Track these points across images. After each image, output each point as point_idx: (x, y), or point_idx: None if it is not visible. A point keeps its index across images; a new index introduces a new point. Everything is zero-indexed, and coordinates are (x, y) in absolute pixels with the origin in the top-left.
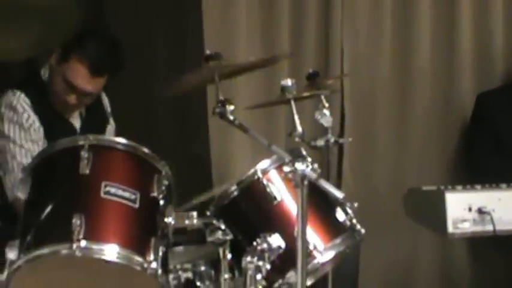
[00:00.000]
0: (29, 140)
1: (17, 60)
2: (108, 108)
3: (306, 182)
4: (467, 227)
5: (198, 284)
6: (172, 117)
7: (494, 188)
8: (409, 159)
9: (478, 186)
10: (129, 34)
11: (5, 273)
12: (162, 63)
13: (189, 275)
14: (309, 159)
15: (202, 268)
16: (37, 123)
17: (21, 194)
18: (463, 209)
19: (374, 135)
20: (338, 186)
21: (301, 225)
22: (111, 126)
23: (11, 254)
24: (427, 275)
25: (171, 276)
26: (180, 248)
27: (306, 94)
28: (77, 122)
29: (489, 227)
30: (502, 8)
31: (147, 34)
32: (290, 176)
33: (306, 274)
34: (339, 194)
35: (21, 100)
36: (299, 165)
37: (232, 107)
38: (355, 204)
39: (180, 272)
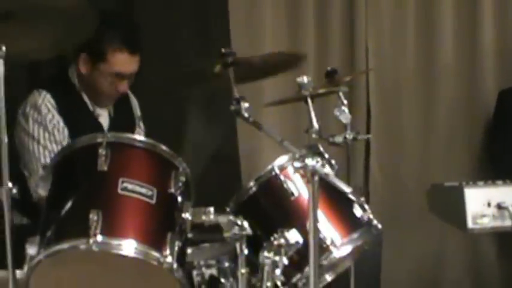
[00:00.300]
0: (53, 141)
1: (41, 60)
2: (138, 111)
3: (316, 178)
4: (486, 222)
5: (222, 280)
6: (201, 117)
7: None
8: (435, 154)
9: (498, 182)
10: (157, 40)
11: (25, 268)
12: (189, 66)
13: (213, 271)
14: (326, 155)
15: (226, 264)
16: (61, 124)
17: (42, 191)
18: (482, 204)
19: (400, 131)
20: (365, 182)
21: (312, 220)
22: (140, 130)
23: (31, 250)
24: (455, 270)
25: (194, 272)
26: (205, 245)
27: (321, 91)
28: (105, 122)
29: (508, 222)
30: None
31: (174, 38)
32: (301, 171)
33: (318, 269)
34: (346, 189)
35: (46, 101)
36: (309, 161)
37: (247, 105)
38: (362, 199)
39: (203, 269)
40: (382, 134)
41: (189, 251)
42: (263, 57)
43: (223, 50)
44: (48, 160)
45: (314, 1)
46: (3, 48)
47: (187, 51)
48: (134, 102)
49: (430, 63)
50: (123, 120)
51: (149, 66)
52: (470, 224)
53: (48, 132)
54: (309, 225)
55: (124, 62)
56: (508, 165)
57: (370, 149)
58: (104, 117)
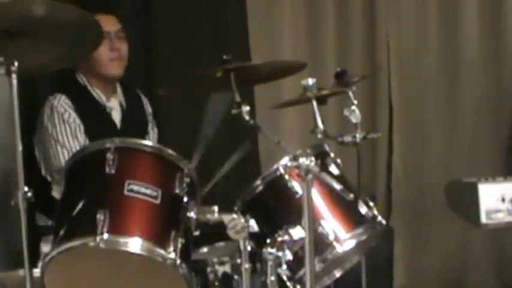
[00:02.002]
0: (70, 137)
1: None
2: (149, 108)
3: (310, 176)
4: (500, 218)
5: (235, 277)
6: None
7: None
8: (458, 151)
9: (511, 177)
10: (176, 49)
11: (39, 264)
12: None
13: (227, 268)
14: (332, 154)
15: (239, 261)
16: (78, 121)
17: (57, 194)
18: (496, 199)
19: (423, 128)
20: (388, 180)
21: (307, 218)
22: (153, 126)
23: (45, 248)
24: (480, 267)
25: (208, 269)
26: (221, 244)
27: (326, 92)
28: (117, 116)
29: None
30: None
31: (192, 47)
32: (296, 170)
33: (322, 264)
34: (337, 186)
35: (61, 101)
36: (303, 160)
37: (247, 108)
38: (351, 195)
39: (216, 266)
40: (405, 132)
41: (204, 249)
42: (264, 64)
43: (224, 57)
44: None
45: (334, 3)
46: (16, 63)
47: (206, 61)
48: (145, 99)
49: (453, 59)
50: (135, 116)
51: (169, 72)
52: (484, 219)
53: (65, 128)
54: (304, 222)
55: (104, 24)
56: None
57: (393, 147)
58: (116, 111)
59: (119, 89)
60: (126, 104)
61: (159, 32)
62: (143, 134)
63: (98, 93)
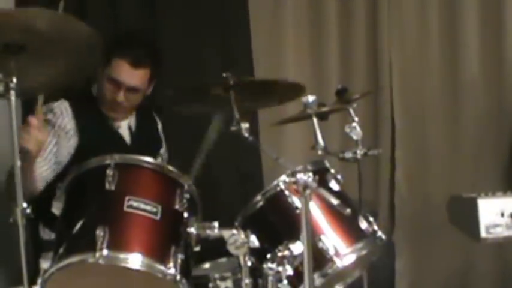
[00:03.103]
0: (54, 140)
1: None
2: (162, 134)
3: (308, 191)
4: (500, 232)
5: None
6: (224, 136)
7: None
8: (461, 168)
9: (510, 192)
10: (179, 65)
11: (39, 281)
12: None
13: (229, 284)
14: (332, 170)
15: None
16: (71, 128)
17: (56, 210)
18: (496, 214)
19: (425, 144)
20: (391, 196)
21: (305, 232)
22: (163, 152)
23: (45, 264)
24: (483, 282)
25: (210, 285)
26: (223, 259)
27: (326, 109)
28: (126, 135)
29: None
30: None
31: (197, 60)
32: (294, 185)
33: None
34: (334, 201)
35: (61, 106)
36: (300, 176)
37: (247, 125)
38: (347, 211)
39: (218, 282)
40: (407, 149)
41: (206, 265)
42: (262, 81)
43: (224, 74)
44: (43, 163)
45: (337, 22)
46: (14, 80)
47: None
48: (159, 123)
49: (454, 78)
50: (147, 137)
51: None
52: (483, 234)
53: (54, 131)
54: (303, 237)
55: (122, 70)
56: None
57: (396, 163)
58: (123, 129)
59: (132, 114)
60: (136, 127)
61: (162, 49)
62: (153, 156)
63: (105, 111)
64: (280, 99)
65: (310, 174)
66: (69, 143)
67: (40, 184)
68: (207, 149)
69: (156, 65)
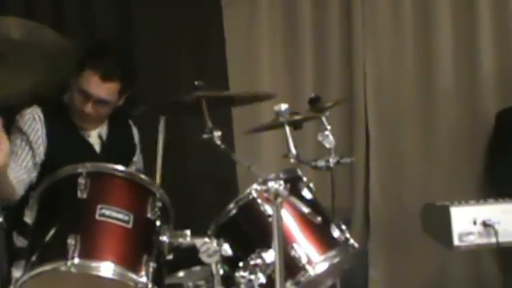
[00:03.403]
0: (26, 146)
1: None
2: (137, 139)
3: (279, 200)
4: (472, 240)
5: None
6: (200, 144)
7: (498, 201)
8: (436, 175)
9: (483, 200)
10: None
11: None
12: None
13: None
14: (304, 178)
15: None
16: (41, 134)
17: (29, 219)
18: (468, 222)
19: (400, 152)
20: (365, 204)
21: (277, 241)
22: (137, 159)
23: (17, 273)
24: None
25: None
26: (197, 268)
27: (298, 117)
28: (96, 144)
29: (494, 240)
30: None
31: (172, 77)
32: (265, 194)
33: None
34: (305, 209)
35: (33, 112)
36: (272, 184)
37: (219, 133)
38: (318, 219)
39: None
40: (382, 157)
41: (180, 273)
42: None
43: (195, 83)
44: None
45: (311, 31)
46: None
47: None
48: (134, 130)
49: (429, 85)
50: (119, 145)
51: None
52: (456, 242)
53: (21, 136)
54: (274, 245)
55: (91, 82)
56: (508, 184)
57: (370, 171)
58: (93, 138)
59: (104, 123)
60: (107, 136)
61: (135, 61)
62: (126, 164)
63: (75, 120)
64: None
65: (282, 182)
66: (40, 149)
67: (19, 189)
68: (161, 153)
69: (127, 78)
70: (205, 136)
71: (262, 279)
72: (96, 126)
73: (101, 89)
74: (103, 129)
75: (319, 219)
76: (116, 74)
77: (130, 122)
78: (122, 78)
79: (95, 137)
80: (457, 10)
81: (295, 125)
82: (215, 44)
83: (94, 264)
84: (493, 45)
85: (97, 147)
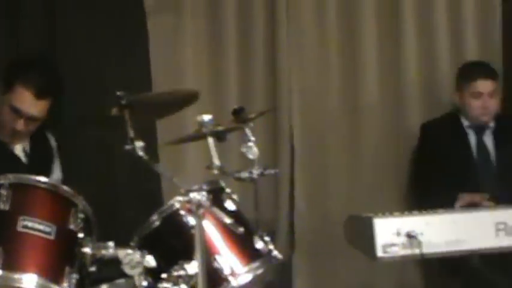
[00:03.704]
0: None
1: None
2: (54, 142)
3: (201, 211)
4: (396, 251)
5: None
6: (125, 155)
7: (422, 213)
8: (361, 188)
9: (407, 212)
10: (80, 80)
11: None
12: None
13: None
14: (228, 190)
15: None
16: None
17: None
18: (392, 233)
19: (325, 165)
20: (290, 215)
21: (199, 252)
22: (56, 167)
23: None
24: None
25: None
26: (121, 280)
27: (221, 128)
28: (22, 156)
29: (417, 251)
30: (447, 40)
31: (96, 76)
32: (188, 205)
33: None
34: (227, 220)
35: None
36: (194, 195)
37: (141, 144)
38: (240, 229)
39: None
40: (307, 167)
41: (104, 286)
42: (157, 95)
43: (117, 93)
44: None
45: (236, 41)
46: None
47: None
48: (51, 138)
49: (354, 98)
50: (40, 157)
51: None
52: (379, 253)
53: None
54: (197, 256)
55: (25, 100)
56: (432, 196)
57: (295, 182)
58: (18, 151)
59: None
60: (30, 148)
61: (63, 67)
62: (48, 174)
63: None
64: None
65: (204, 193)
66: None
67: None
68: None
69: (58, 95)
70: (127, 147)
71: None
72: (22, 141)
73: (35, 106)
74: (26, 143)
75: (241, 230)
76: (49, 91)
77: (48, 133)
78: (54, 94)
79: (20, 150)
80: (382, 22)
81: (219, 136)
82: (140, 53)
83: (16, 276)
84: (418, 57)
85: (23, 160)
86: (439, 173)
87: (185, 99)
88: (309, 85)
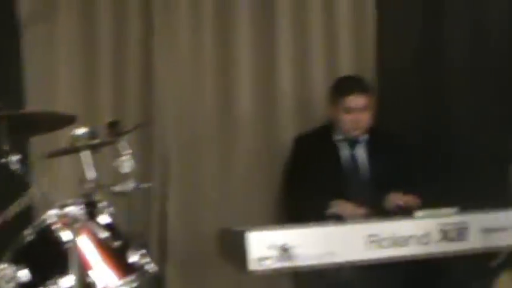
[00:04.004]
0: None
1: None
2: None
3: (77, 225)
4: (268, 264)
5: None
6: None
7: (295, 226)
8: (234, 202)
9: (280, 225)
10: None
11: None
12: None
13: None
14: (102, 203)
15: None
16: None
17: None
18: (265, 246)
19: (198, 178)
20: (163, 229)
21: (74, 266)
22: None
23: None
24: None
25: None
26: None
27: (95, 142)
28: None
29: (291, 263)
30: (321, 55)
31: None
32: (63, 219)
33: None
34: (102, 234)
35: None
36: (69, 209)
37: (17, 157)
38: (115, 243)
39: None
40: (180, 181)
41: None
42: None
43: None
44: None
45: (110, 52)
46: None
47: None
48: None
49: (228, 110)
50: None
51: None
52: (252, 266)
53: None
54: (71, 271)
55: None
56: (304, 207)
57: (169, 196)
58: None
59: None
60: None
61: None
62: None
63: None
64: (50, 129)
65: (79, 207)
66: None
67: None
68: None
69: None
70: (2, 160)
71: None
72: None
73: None
74: None
75: (116, 244)
76: None
77: None
78: None
79: None
80: (258, 35)
81: (94, 149)
82: (14, 65)
83: None
84: (292, 71)
85: None
86: (310, 185)
87: (61, 122)
88: (184, 99)
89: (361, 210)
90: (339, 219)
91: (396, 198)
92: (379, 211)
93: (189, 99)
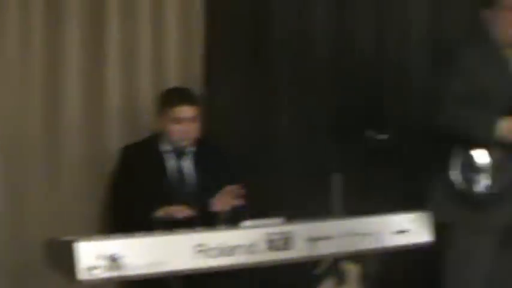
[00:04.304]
0: None
1: None
2: None
3: None
4: (98, 273)
5: None
6: None
7: (123, 235)
8: (62, 212)
9: (108, 234)
10: None
11: None
12: None
13: None
14: None
15: None
16: None
17: None
18: (93, 256)
19: (24, 187)
20: None
21: None
22: None
23: None
24: None
25: None
26: None
27: None
28: None
29: (120, 273)
30: (150, 67)
31: None
32: None
33: None
34: None
35: None
36: None
37: None
38: None
39: None
40: (5, 189)
41: None
42: None
43: None
44: None
45: None
46: None
47: None
48: None
49: (56, 119)
50: None
51: None
52: (80, 276)
53: None
54: None
55: None
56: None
57: None
58: None
59: None
60: None
61: None
62: None
63: None
64: None
65: None
66: None
67: None
68: None
69: None
70: None
71: None
72: None
73: None
74: None
75: None
76: None
77: None
78: None
79: None
80: (87, 45)
81: None
82: None
83: None
84: (121, 81)
85: None
86: (136, 195)
87: None
88: (10, 103)
89: (189, 211)
90: (166, 225)
91: (221, 202)
92: (207, 214)
93: (16, 104)
